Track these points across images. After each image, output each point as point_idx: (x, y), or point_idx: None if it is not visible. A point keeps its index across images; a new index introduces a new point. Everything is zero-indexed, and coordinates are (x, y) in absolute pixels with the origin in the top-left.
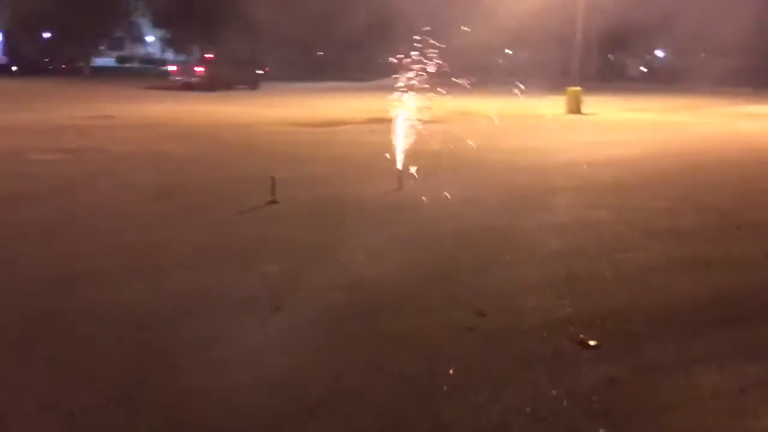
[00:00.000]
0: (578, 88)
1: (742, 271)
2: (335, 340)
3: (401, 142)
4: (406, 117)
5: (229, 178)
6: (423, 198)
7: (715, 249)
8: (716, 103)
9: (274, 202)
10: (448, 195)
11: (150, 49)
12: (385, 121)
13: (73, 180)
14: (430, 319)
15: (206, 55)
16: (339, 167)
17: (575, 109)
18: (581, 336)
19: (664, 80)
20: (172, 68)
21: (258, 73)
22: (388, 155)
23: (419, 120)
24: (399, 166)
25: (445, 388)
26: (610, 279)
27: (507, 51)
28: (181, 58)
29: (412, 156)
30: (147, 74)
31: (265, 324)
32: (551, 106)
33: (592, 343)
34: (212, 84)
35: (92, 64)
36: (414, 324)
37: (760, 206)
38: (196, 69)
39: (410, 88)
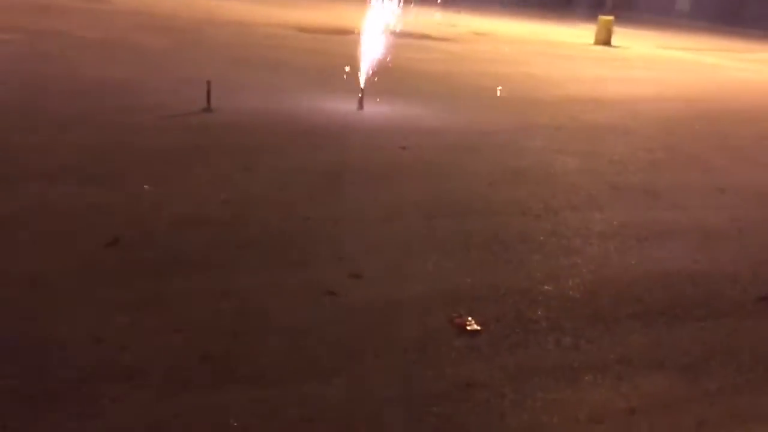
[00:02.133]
0: (610, 18)
1: (706, 248)
2: (162, 294)
3: (380, 57)
4: (414, 32)
5: (182, 78)
6: (376, 120)
7: (685, 216)
8: (765, 48)
9: (207, 110)
10: (408, 121)
11: None
12: (393, 35)
13: (6, 62)
14: (295, 276)
15: None
16: (310, 79)
17: (604, 40)
18: (464, 317)
19: (716, 18)
20: None
21: None
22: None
23: (427, 36)
24: (362, 84)
25: (249, 373)
26: (539, 244)
27: None
28: None
29: (395, 75)
30: None
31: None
32: (581, 35)
33: (473, 327)
34: None
35: None
36: (270, 281)
37: (756, 166)
38: None
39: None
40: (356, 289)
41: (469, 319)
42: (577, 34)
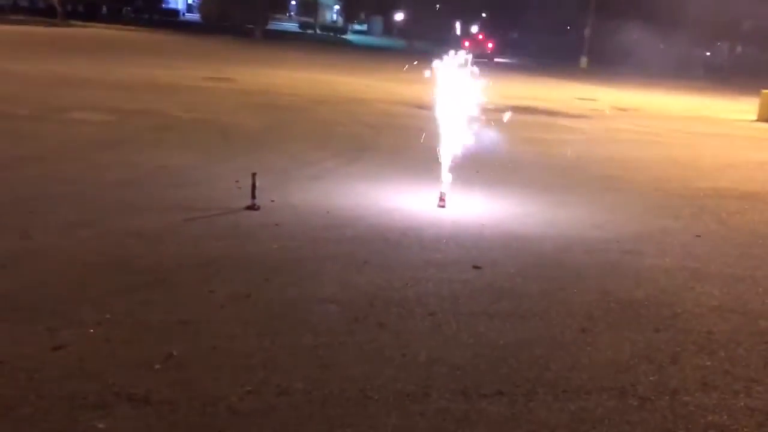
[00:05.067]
0: None
1: None
2: None
3: (496, 140)
4: (544, 108)
5: (249, 166)
6: (456, 224)
7: None
8: None
9: (252, 207)
10: (497, 225)
11: (334, 17)
12: (520, 111)
13: (73, 148)
14: None
15: (478, 34)
16: (401, 165)
17: None
18: None
19: None
20: (465, 43)
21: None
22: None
23: (557, 113)
24: (445, 177)
25: None
26: None
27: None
28: (355, 26)
29: (505, 160)
30: (324, 41)
31: None
32: (742, 109)
33: None
34: (493, 56)
35: (268, 26)
36: None
37: None
38: (489, 45)
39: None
40: None
41: None
42: (738, 108)
